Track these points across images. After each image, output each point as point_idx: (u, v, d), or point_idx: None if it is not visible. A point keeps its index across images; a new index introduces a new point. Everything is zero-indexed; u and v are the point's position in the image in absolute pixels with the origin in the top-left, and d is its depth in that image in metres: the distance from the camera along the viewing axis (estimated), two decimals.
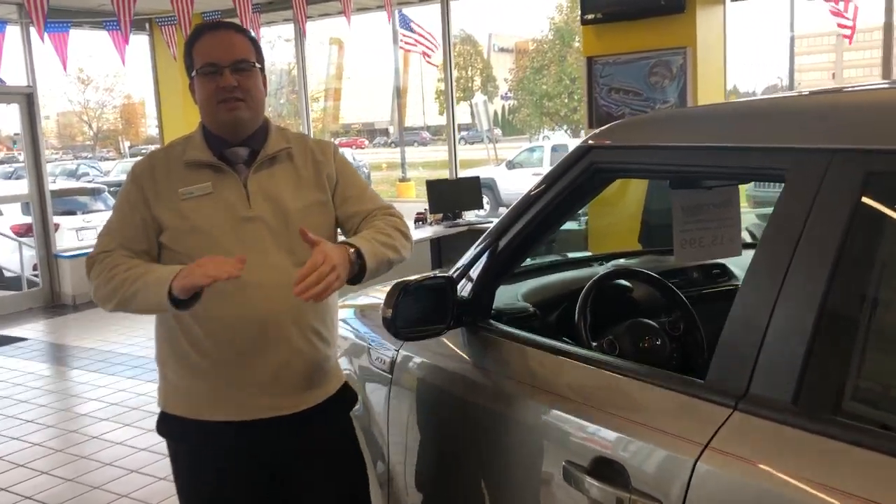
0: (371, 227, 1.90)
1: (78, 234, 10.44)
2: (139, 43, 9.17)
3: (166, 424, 1.99)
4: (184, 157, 1.89)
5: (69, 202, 11.21)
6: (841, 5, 7.20)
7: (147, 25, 9.05)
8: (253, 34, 1.95)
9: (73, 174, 22.92)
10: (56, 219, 8.89)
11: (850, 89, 1.55)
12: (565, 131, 28.79)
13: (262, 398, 1.89)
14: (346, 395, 2.07)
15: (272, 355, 1.87)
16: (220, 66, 1.83)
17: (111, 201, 11.98)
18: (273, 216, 1.87)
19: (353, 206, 1.97)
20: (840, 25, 7.76)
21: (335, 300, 2.03)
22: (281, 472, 1.97)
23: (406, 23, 8.48)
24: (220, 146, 1.90)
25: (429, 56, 8.61)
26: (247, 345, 1.85)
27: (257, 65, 1.90)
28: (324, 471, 2.00)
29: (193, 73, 1.88)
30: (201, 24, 1.99)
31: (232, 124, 1.88)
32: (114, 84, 36.31)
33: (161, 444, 4.19)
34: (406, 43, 8.65)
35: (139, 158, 2.02)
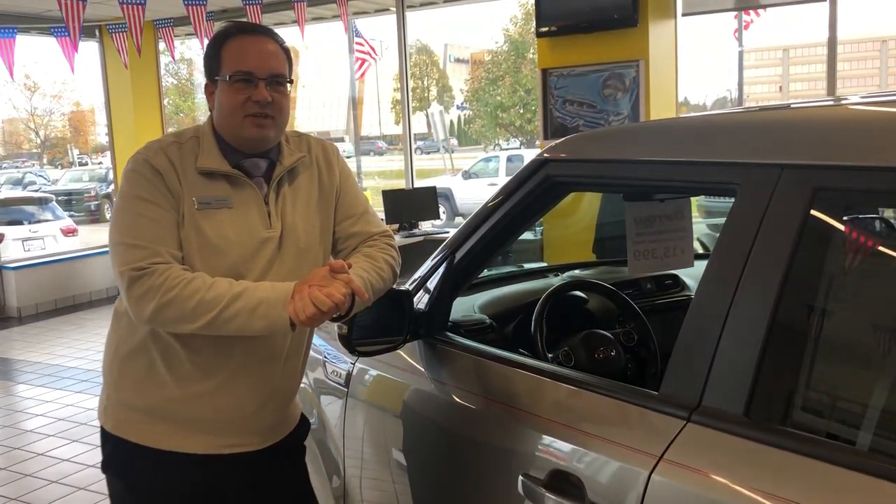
0: (369, 260, 1.77)
1: (24, 244, 10.18)
2: (89, 49, 8.99)
3: (115, 453, 1.81)
4: (196, 163, 1.71)
5: (15, 212, 10.94)
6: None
7: (97, 32, 8.88)
8: (286, 44, 1.78)
9: (19, 183, 22.37)
10: (1, 229, 8.65)
11: (798, 106, 1.58)
12: (520, 143, 29.00)
13: (233, 434, 1.78)
14: (305, 426, 2.01)
15: (258, 391, 1.77)
16: (255, 77, 1.67)
17: (59, 211, 11.73)
18: (288, 239, 1.75)
19: (355, 227, 1.85)
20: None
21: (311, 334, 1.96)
22: (231, 501, 1.87)
23: (359, 32, 8.49)
24: (234, 155, 1.74)
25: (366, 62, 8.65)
26: (234, 377, 1.74)
27: (290, 80, 1.76)
28: (277, 500, 1.91)
29: (218, 78, 1.71)
30: (235, 23, 1.78)
31: (255, 142, 1.73)
32: (62, 91, 35.54)
33: None
34: (360, 52, 8.65)
35: (144, 149, 1.74)
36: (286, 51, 1.77)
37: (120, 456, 1.81)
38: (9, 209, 10.85)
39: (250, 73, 1.68)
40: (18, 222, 10.68)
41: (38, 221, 10.91)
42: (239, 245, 1.70)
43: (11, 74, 7.58)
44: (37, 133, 37.96)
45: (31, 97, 35.34)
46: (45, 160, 35.33)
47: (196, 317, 1.59)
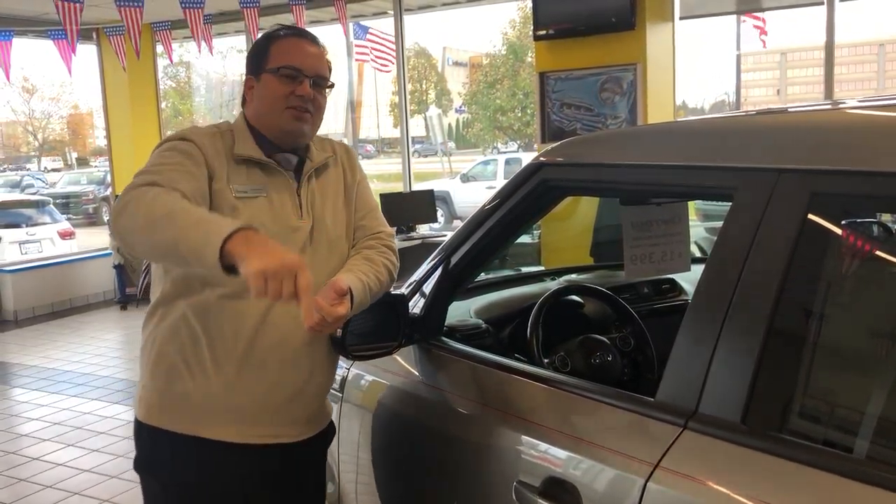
0: (368, 263, 1.82)
1: (21, 247, 10.16)
2: (87, 52, 8.98)
3: (147, 446, 1.81)
4: (234, 149, 1.77)
5: (12, 214, 10.92)
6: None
7: (94, 35, 8.87)
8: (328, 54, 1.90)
9: (17, 186, 22.36)
10: None
11: (795, 110, 1.57)
12: (519, 146, 28.99)
13: (268, 424, 1.78)
14: (332, 428, 2.01)
15: (291, 378, 1.77)
16: (302, 74, 1.76)
17: (56, 213, 11.71)
18: (317, 230, 1.81)
19: (364, 220, 1.93)
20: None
21: None
22: (254, 495, 1.85)
23: (362, 33, 8.45)
24: (268, 147, 1.80)
25: (384, 67, 8.55)
26: (267, 364, 1.74)
27: (330, 85, 1.86)
28: (293, 499, 1.90)
29: (265, 71, 1.78)
30: (286, 25, 1.90)
31: (293, 134, 1.80)
32: (60, 94, 35.52)
33: (106, 464, 4.12)
34: (361, 53, 8.61)
35: (175, 132, 1.80)
36: (328, 60, 1.87)
37: (152, 447, 1.81)
38: (6, 212, 10.82)
39: (298, 70, 1.77)
40: (16, 225, 10.66)
41: (36, 224, 10.89)
42: (273, 232, 1.71)
43: (8, 77, 7.58)
44: (35, 136, 37.94)
45: (30, 100, 35.36)
46: (42, 164, 35.30)
47: (138, 218, 1.51)
